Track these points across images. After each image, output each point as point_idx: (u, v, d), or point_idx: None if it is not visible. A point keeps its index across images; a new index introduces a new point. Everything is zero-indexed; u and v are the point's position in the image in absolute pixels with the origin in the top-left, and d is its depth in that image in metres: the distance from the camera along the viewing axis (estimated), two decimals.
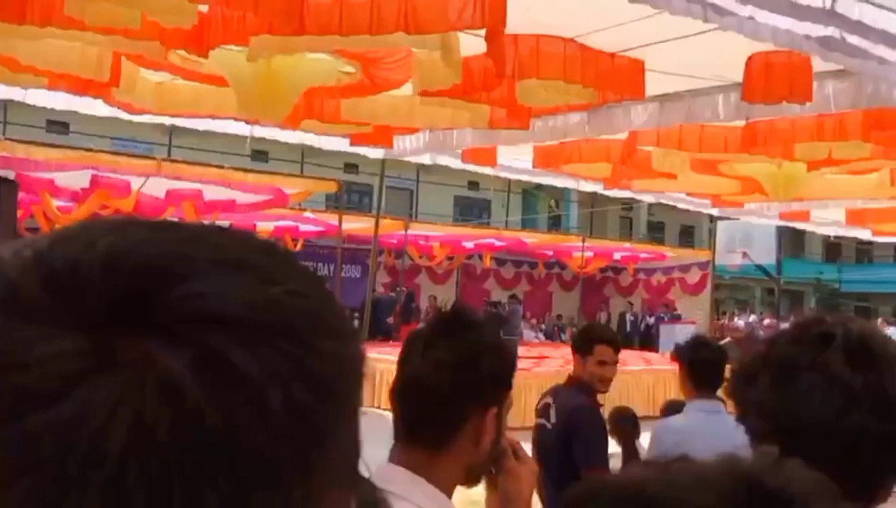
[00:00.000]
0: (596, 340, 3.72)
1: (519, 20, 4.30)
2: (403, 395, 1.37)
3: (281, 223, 15.46)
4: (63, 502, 0.34)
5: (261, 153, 20.80)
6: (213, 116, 6.69)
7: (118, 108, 6.29)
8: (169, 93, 6.19)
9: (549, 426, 3.66)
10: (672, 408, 4.37)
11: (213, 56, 4.62)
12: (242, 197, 11.20)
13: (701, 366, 3.47)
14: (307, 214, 15.19)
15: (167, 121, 7.30)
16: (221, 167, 10.38)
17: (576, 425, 3.53)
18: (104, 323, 0.36)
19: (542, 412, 3.75)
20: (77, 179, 10.17)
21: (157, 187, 10.86)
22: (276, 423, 0.37)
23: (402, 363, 1.39)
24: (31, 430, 0.34)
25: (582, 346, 3.71)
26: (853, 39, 3.79)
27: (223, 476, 0.36)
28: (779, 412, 1.11)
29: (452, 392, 1.33)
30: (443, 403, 1.33)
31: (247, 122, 6.59)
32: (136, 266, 0.38)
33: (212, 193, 11.03)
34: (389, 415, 1.37)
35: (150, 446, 0.35)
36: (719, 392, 3.36)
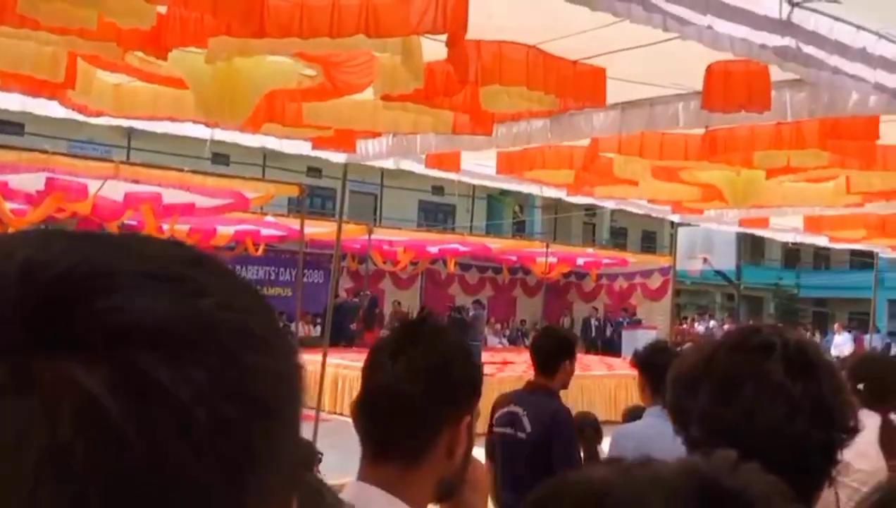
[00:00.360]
0: None
1: (481, 26, 4.30)
2: (372, 407, 1.30)
3: (242, 227, 15.31)
4: None
5: (222, 156, 20.59)
6: (172, 119, 6.58)
7: (74, 110, 6.16)
8: (127, 95, 6.08)
9: (521, 435, 3.64)
10: (633, 414, 4.39)
11: (171, 58, 4.54)
12: (202, 201, 11.06)
13: (659, 372, 3.48)
14: (269, 218, 15.05)
15: (125, 123, 7.18)
16: (181, 170, 10.23)
17: (558, 430, 3.58)
18: (20, 340, 0.34)
19: (509, 421, 3.72)
20: (32, 182, 9.96)
21: (114, 191, 10.68)
22: (203, 442, 0.35)
23: (369, 373, 1.33)
24: None
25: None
26: (809, 49, 3.85)
27: (148, 500, 0.34)
28: (723, 421, 1.12)
29: (427, 401, 1.27)
30: (417, 413, 1.27)
31: (206, 124, 6.51)
32: (54, 279, 0.36)
33: (171, 196, 10.88)
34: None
35: (66, 471, 0.33)
36: None
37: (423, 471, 1.27)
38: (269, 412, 0.39)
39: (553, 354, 3.83)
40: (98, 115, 6.38)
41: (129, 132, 18.52)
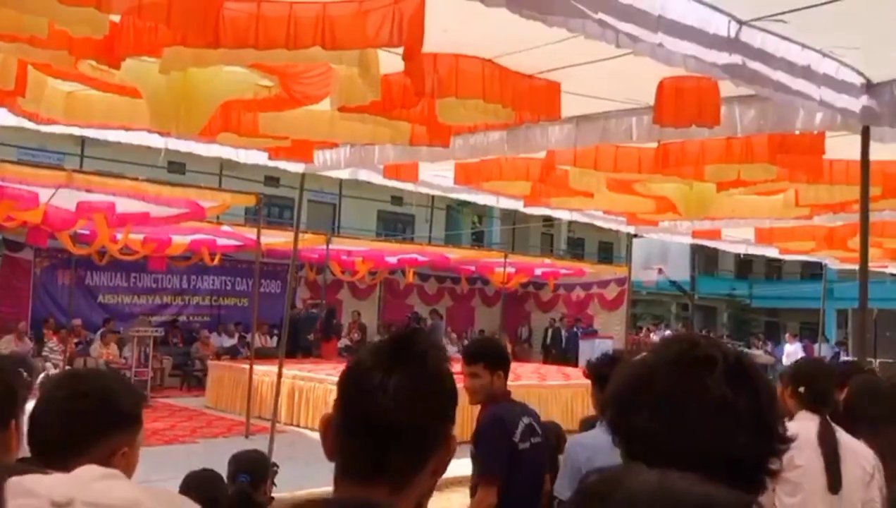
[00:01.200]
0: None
1: (437, 40, 4.33)
2: (366, 430, 1.24)
3: (197, 237, 15.13)
4: None
5: (177, 165, 20.35)
6: (125, 128, 6.51)
7: (24, 117, 6.06)
8: (79, 103, 5.99)
9: (541, 440, 3.80)
10: (588, 424, 4.43)
11: (125, 67, 4.49)
12: (157, 210, 10.91)
13: None
14: (225, 227, 14.90)
15: (77, 132, 7.07)
16: (136, 179, 10.09)
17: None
18: None
19: (533, 431, 3.82)
20: None
21: (67, 199, 10.49)
22: None
23: (357, 394, 1.27)
24: None
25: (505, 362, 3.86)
26: (756, 66, 3.95)
27: None
28: (667, 438, 1.13)
29: (426, 424, 1.26)
30: (416, 436, 1.25)
31: (161, 134, 6.44)
32: None
33: (125, 205, 10.72)
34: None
35: None
36: None
37: (411, 492, 1.25)
38: None
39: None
40: (50, 122, 6.28)
41: (83, 140, 18.21)
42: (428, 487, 1.28)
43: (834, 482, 3.12)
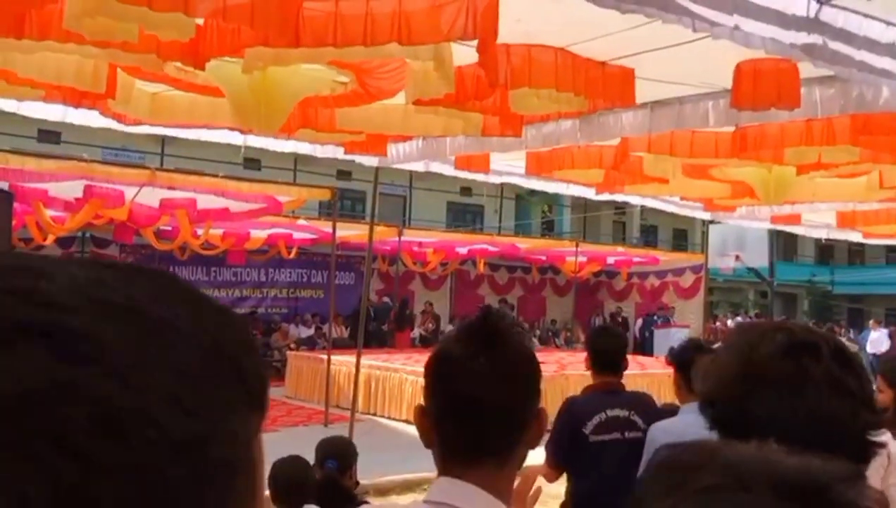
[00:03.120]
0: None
1: (510, 31, 4.36)
2: (464, 413, 1.31)
3: (275, 231, 15.50)
4: None
5: (253, 161, 20.83)
6: (207, 127, 6.74)
7: (113, 119, 6.33)
8: (164, 103, 6.24)
9: (640, 435, 3.70)
10: (668, 412, 4.42)
11: (208, 67, 4.67)
12: (236, 205, 11.23)
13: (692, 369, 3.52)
14: (301, 221, 15.22)
15: (161, 131, 7.34)
16: (215, 176, 10.41)
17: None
18: None
19: (621, 424, 3.76)
20: (71, 189, 10.20)
21: (150, 197, 10.88)
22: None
23: (448, 380, 1.34)
24: None
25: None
26: (837, 46, 3.86)
27: None
28: (791, 424, 1.17)
29: (519, 402, 1.34)
30: (513, 414, 1.33)
31: (240, 131, 6.65)
32: None
33: (205, 201, 11.06)
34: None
35: None
36: None
37: (512, 466, 1.34)
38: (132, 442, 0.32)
39: (621, 353, 3.92)
40: (136, 123, 6.55)
41: (163, 139, 18.82)
42: (523, 457, 1.37)
43: None
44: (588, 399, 3.86)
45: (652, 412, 3.77)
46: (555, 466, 3.70)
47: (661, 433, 3.49)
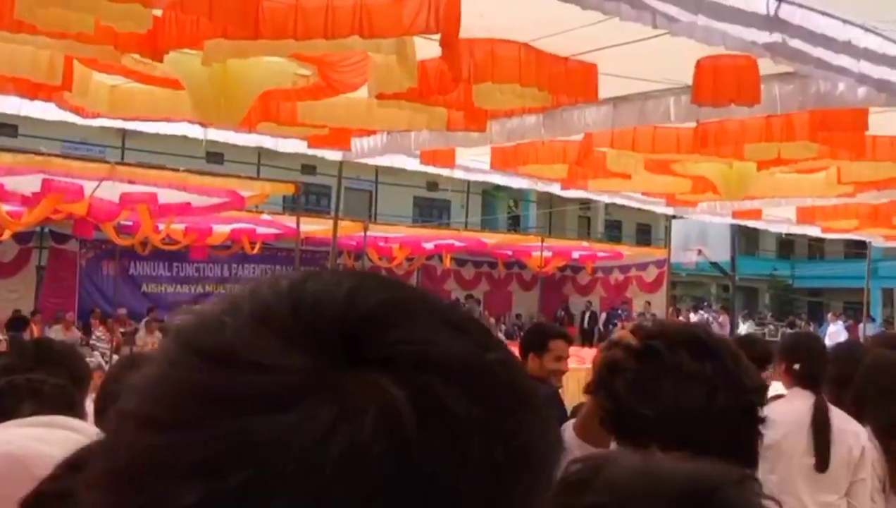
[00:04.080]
0: (550, 335, 3.77)
1: (473, 26, 4.35)
2: None
3: (238, 226, 15.33)
4: (270, 502, 0.36)
5: (216, 155, 20.58)
6: (167, 120, 6.64)
7: (71, 111, 6.21)
8: (123, 96, 6.13)
9: None
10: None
11: (167, 59, 4.59)
12: (198, 200, 11.09)
13: None
14: (264, 216, 15.08)
15: (120, 124, 7.22)
16: (177, 170, 10.27)
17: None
18: (335, 350, 0.39)
19: None
20: (28, 184, 9.99)
21: (111, 191, 10.70)
22: (473, 472, 0.38)
23: None
24: (252, 428, 0.37)
25: (536, 343, 3.75)
26: (795, 43, 3.91)
27: (411, 505, 0.37)
28: (669, 422, 1.22)
29: None
30: None
31: (201, 124, 6.56)
32: (371, 308, 0.41)
33: (167, 196, 10.91)
34: None
35: (362, 466, 0.37)
36: None
37: None
38: (533, 468, 0.41)
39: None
40: (94, 116, 6.44)
41: (123, 133, 18.54)
42: None
43: (821, 461, 3.07)
44: None
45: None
46: None
47: None
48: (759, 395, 1.29)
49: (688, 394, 1.23)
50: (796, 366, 3.30)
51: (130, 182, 10.23)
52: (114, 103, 6.09)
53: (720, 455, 0.68)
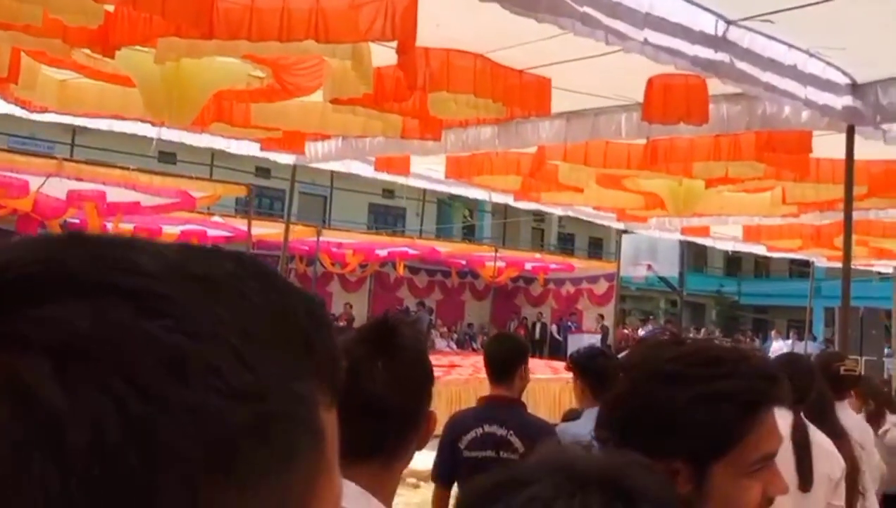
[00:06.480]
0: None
1: (430, 35, 4.37)
2: (358, 412, 1.30)
3: (188, 227, 15.11)
4: None
5: (168, 155, 20.29)
6: (118, 117, 6.54)
7: (17, 105, 6.08)
8: (73, 91, 6.01)
9: (512, 456, 3.32)
10: (571, 416, 4.49)
11: (119, 56, 4.52)
12: (148, 200, 10.89)
13: (596, 374, 3.57)
14: (215, 218, 14.89)
15: (70, 120, 7.08)
16: (127, 168, 10.09)
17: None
18: None
19: (491, 443, 3.39)
20: None
21: (57, 188, 10.46)
22: (73, 465, 0.33)
23: (350, 384, 1.34)
24: None
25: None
26: (742, 65, 4.01)
27: None
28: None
29: (412, 406, 1.38)
30: (404, 417, 1.37)
31: (153, 123, 6.47)
32: (4, 285, 0.36)
33: (115, 195, 10.70)
34: None
35: None
36: None
37: (398, 466, 1.39)
38: (185, 462, 0.35)
39: (511, 361, 3.51)
40: (42, 110, 6.31)
41: (74, 129, 18.16)
42: (409, 457, 1.41)
43: (804, 481, 3.11)
44: (469, 413, 3.62)
45: (534, 433, 3.35)
46: (437, 481, 3.47)
47: (564, 435, 3.54)
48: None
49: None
50: None
51: (78, 179, 10.01)
52: (63, 98, 5.98)
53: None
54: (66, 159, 10.45)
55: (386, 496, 1.36)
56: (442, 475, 3.45)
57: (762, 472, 1.23)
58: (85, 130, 14.06)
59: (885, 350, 15.71)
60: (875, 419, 4.64)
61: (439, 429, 3.73)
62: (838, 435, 3.20)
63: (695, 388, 1.19)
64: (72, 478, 0.33)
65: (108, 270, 0.37)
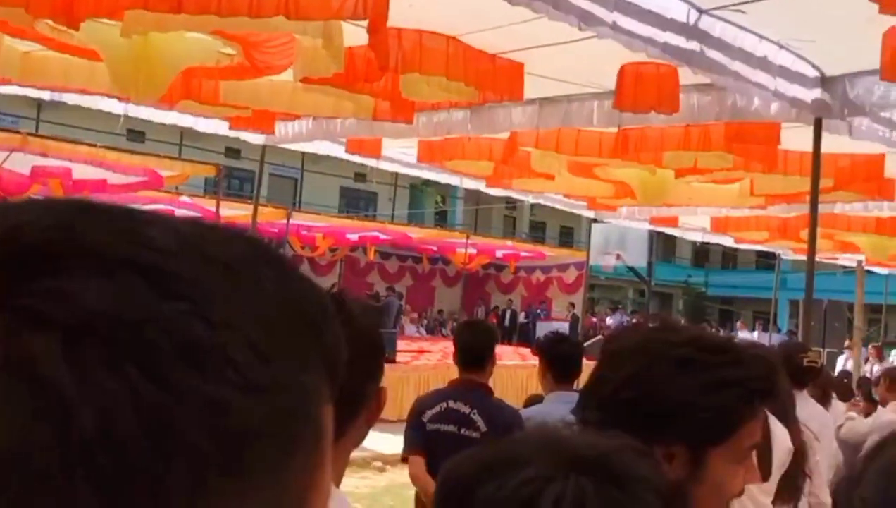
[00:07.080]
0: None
1: (402, 15, 4.34)
2: None
3: (155, 207, 14.92)
4: None
5: (137, 133, 20.01)
6: (84, 92, 6.41)
7: None
8: (36, 63, 5.87)
9: (473, 434, 3.44)
10: (533, 401, 4.51)
11: (84, 28, 4.42)
12: (114, 178, 10.73)
13: (560, 360, 3.60)
14: (184, 198, 14.73)
15: (34, 93, 6.94)
16: (94, 145, 9.92)
17: (517, 429, 3.49)
18: None
19: (455, 419, 3.50)
20: None
21: (21, 163, 10.26)
22: (78, 452, 0.32)
23: None
24: None
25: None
26: (713, 55, 4.02)
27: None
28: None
29: (360, 380, 1.33)
30: (353, 392, 1.32)
31: (120, 99, 6.35)
32: (19, 250, 0.34)
33: (81, 172, 10.53)
34: None
35: None
36: (577, 385, 3.50)
37: (347, 442, 1.35)
38: (201, 455, 0.33)
39: (483, 348, 3.63)
40: (4, 83, 6.17)
41: (39, 103, 17.83)
42: (361, 436, 1.38)
43: (765, 471, 3.17)
44: (437, 391, 3.81)
45: (497, 414, 3.52)
46: (411, 448, 3.64)
47: (528, 418, 3.55)
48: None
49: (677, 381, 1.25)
50: None
51: (43, 155, 9.83)
52: (25, 70, 5.84)
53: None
54: (30, 134, 10.26)
55: (335, 475, 1.33)
56: (414, 443, 3.60)
57: (747, 460, 1.23)
58: (51, 105, 13.80)
59: (846, 342, 15.99)
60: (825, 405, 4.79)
61: (406, 412, 3.85)
62: (790, 421, 3.26)
63: (705, 373, 1.18)
64: (77, 467, 0.32)
65: (125, 243, 0.36)
